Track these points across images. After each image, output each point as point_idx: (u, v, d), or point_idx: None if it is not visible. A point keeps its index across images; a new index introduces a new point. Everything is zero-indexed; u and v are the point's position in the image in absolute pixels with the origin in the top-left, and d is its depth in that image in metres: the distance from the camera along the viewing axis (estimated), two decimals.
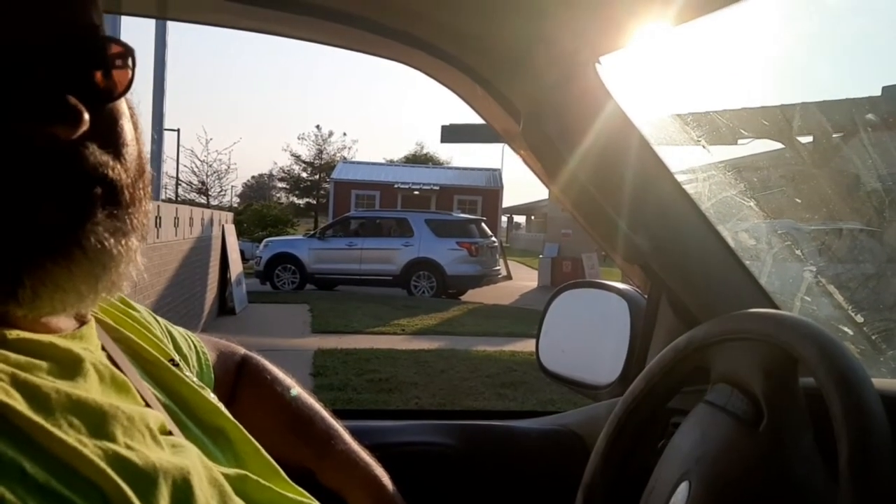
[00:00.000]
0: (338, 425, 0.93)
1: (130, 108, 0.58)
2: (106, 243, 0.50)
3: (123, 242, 0.52)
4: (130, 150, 0.55)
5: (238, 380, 0.93)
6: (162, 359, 0.68)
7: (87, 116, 0.48)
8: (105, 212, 0.51)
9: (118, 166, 0.53)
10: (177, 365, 0.69)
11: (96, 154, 0.51)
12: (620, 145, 1.03)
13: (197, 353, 0.86)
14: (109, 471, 0.46)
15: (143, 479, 0.48)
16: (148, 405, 0.58)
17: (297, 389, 0.95)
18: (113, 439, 0.49)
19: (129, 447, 0.50)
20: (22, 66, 0.47)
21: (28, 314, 0.50)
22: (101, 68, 0.52)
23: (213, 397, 0.70)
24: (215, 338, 0.97)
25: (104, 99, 0.53)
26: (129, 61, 0.54)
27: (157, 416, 0.57)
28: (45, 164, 0.47)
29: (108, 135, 0.53)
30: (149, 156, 0.61)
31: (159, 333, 0.76)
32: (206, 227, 9.40)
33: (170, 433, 0.58)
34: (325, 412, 0.94)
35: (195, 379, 0.71)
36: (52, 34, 0.49)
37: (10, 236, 0.46)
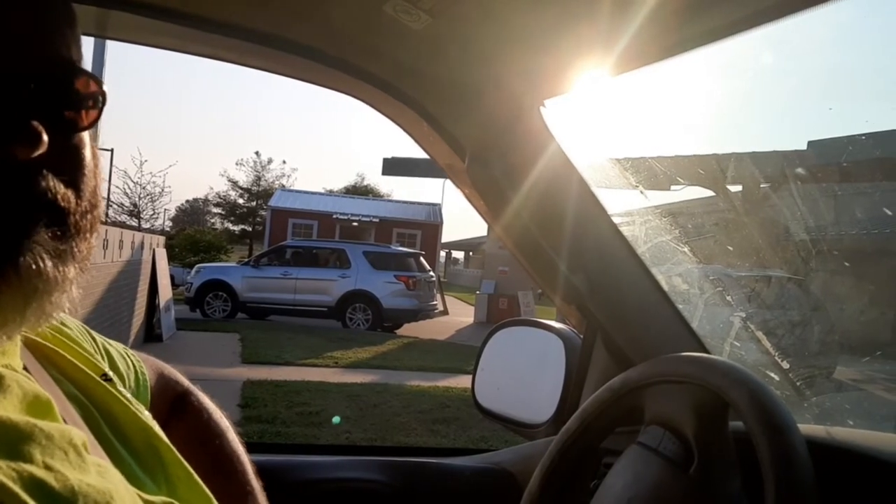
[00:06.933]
0: (255, 484, 0.85)
1: (93, 145, 0.58)
2: (41, 265, 0.49)
3: (61, 269, 0.51)
4: (87, 182, 0.55)
5: (172, 412, 0.89)
6: (91, 373, 0.65)
7: (45, 139, 0.49)
8: (48, 234, 0.50)
9: (70, 195, 0.53)
10: (109, 380, 0.66)
11: (49, 180, 0.50)
12: (562, 187, 1.05)
13: (136, 372, 0.82)
14: (23, 494, 0.44)
15: (61, 502, 0.46)
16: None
17: (231, 436, 0.89)
18: (30, 459, 0.47)
19: (48, 468, 0.47)
20: None
21: None
22: (69, 100, 0.53)
23: (146, 415, 0.67)
24: (163, 363, 0.93)
25: (68, 129, 0.53)
26: (99, 98, 0.56)
27: (80, 435, 0.54)
28: None
29: (67, 164, 0.53)
30: None
31: (89, 347, 0.73)
32: (136, 251, 9.14)
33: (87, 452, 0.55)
34: (249, 468, 0.87)
35: (129, 395, 0.68)
36: (25, 63, 0.50)
37: None
